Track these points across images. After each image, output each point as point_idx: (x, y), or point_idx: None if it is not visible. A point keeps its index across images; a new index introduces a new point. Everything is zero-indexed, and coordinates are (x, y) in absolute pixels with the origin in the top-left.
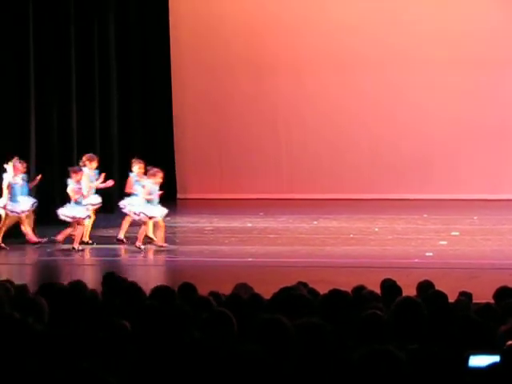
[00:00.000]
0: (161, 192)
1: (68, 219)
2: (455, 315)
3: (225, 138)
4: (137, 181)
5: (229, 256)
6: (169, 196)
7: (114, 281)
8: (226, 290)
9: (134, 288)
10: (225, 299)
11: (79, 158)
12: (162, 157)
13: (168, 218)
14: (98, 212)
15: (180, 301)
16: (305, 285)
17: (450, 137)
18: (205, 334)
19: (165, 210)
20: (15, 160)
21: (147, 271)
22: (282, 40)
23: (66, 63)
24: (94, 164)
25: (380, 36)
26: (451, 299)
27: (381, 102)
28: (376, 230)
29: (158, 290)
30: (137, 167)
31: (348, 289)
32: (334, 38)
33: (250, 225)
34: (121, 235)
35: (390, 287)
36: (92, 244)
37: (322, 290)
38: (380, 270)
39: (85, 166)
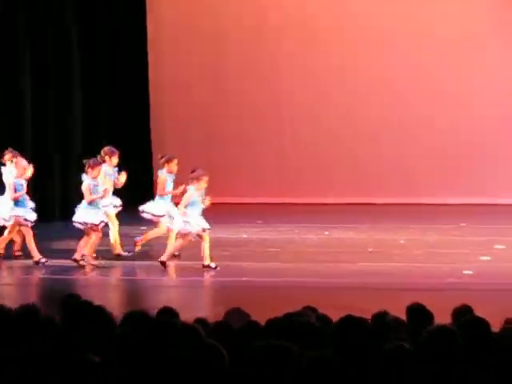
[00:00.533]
0: (209, 200)
1: (79, 226)
2: (500, 347)
3: (215, 129)
4: (170, 182)
5: (219, 275)
6: (146, 199)
7: (76, 305)
8: (215, 316)
9: (101, 313)
10: (213, 328)
11: (35, 154)
12: (136, 152)
13: (144, 228)
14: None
15: (158, 330)
16: (313, 310)
17: (494, 132)
18: (188, 371)
19: (206, 225)
20: (19, 157)
21: (117, 291)
22: (287, 13)
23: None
24: (115, 160)
25: (407, 19)
26: (495, 328)
27: (406, 93)
28: (402, 242)
29: (131, 317)
30: (173, 163)
31: (367, 315)
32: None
33: (245, 236)
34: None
35: (419, 313)
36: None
37: (335, 316)
38: (406, 293)
39: (104, 161)
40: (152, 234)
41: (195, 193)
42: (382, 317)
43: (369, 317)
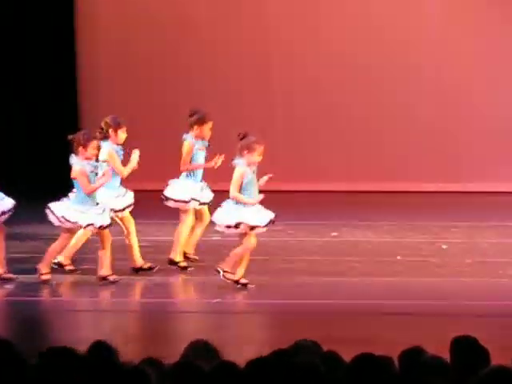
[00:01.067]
0: (268, 177)
1: (58, 223)
2: None
3: (169, 92)
4: (199, 149)
5: (182, 295)
6: (65, 187)
7: None
8: (174, 353)
9: (7, 351)
10: (170, 370)
11: None
12: (61, 128)
13: None
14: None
15: (89, 372)
16: (315, 345)
17: None
18: None
19: (267, 216)
20: None
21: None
22: None
23: None
24: (123, 134)
25: None
26: None
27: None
28: (444, 247)
29: (50, 355)
30: (207, 126)
31: (393, 353)
32: None
33: (218, 238)
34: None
35: (469, 350)
36: (150, 269)
37: (347, 354)
38: (450, 320)
39: (107, 137)
40: (180, 236)
41: (248, 169)
42: (414, 355)
43: (395, 355)
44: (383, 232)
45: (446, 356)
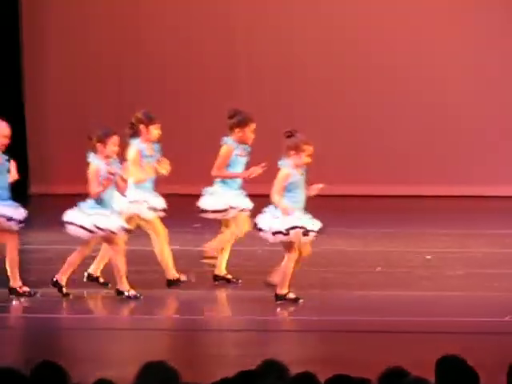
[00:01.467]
0: (317, 189)
1: (83, 233)
2: None
3: (121, 89)
4: (239, 155)
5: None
6: (16, 191)
7: None
8: (128, 375)
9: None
10: None
11: None
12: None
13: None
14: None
15: None
16: (279, 367)
17: None
18: None
19: (312, 224)
20: None
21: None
22: None
23: None
24: (156, 131)
25: None
26: None
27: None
28: (428, 257)
29: None
30: (249, 128)
31: (371, 375)
32: None
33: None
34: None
35: (456, 371)
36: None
37: (319, 375)
38: (435, 337)
39: (137, 133)
40: (219, 241)
41: (294, 172)
42: (395, 376)
43: (374, 377)
44: (361, 240)
45: (431, 378)
